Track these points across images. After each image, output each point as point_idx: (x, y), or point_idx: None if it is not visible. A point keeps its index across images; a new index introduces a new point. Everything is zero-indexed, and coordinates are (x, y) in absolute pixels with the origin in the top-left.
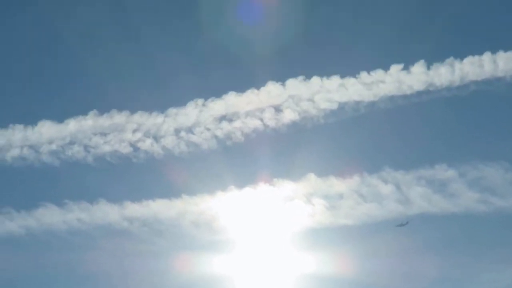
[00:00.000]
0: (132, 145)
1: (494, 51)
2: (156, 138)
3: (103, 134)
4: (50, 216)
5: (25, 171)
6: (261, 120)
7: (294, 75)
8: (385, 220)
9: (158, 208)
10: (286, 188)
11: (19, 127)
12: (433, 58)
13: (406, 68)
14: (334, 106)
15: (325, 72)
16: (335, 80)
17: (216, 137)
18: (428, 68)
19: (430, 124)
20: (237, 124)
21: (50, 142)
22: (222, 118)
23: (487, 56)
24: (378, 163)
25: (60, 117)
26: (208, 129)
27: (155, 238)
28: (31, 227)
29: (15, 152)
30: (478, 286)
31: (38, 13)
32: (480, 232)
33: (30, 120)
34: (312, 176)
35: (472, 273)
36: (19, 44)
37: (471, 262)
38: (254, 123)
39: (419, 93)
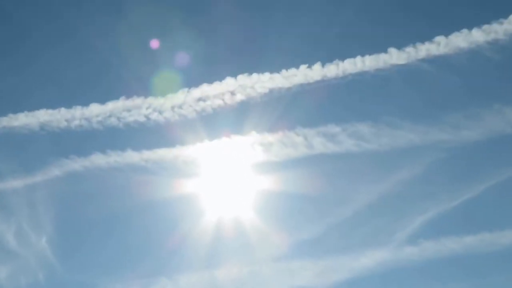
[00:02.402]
0: (146, 116)
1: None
2: (160, 112)
3: (128, 110)
4: (99, 159)
5: (80, 133)
6: (223, 100)
7: (243, 72)
8: (296, 158)
9: (162, 153)
10: (236, 140)
11: (79, 107)
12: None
13: (309, 67)
14: (267, 90)
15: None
16: (267, 76)
17: (196, 111)
18: (323, 66)
19: (323, 101)
20: (208, 102)
21: (97, 116)
22: (200, 99)
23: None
24: (292, 124)
25: (103, 100)
26: (191, 106)
27: (160, 171)
28: (87, 167)
29: (76, 122)
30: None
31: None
32: (353, 167)
33: (84, 102)
34: (254, 133)
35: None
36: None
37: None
38: (218, 102)
39: (317, 82)
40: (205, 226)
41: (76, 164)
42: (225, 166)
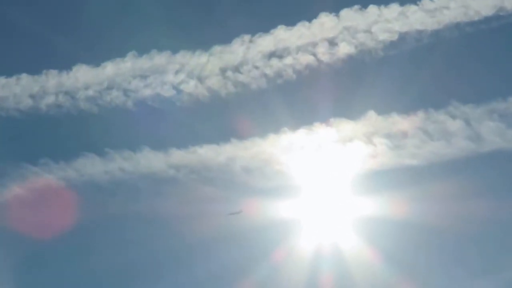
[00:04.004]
0: (175, 87)
1: None
2: (201, 79)
3: (143, 77)
4: (90, 167)
5: (61, 119)
6: (314, 55)
7: (349, 4)
8: (454, 159)
9: (205, 154)
10: (344, 128)
11: (53, 72)
12: None
13: None
14: (394, 37)
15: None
16: (394, 9)
17: (265, 75)
18: None
19: (502, 52)
20: (288, 60)
21: (87, 87)
22: (272, 54)
23: None
24: (444, 97)
25: (96, 61)
26: (256, 67)
27: (204, 186)
28: (71, 178)
29: (50, 99)
30: None
31: None
32: None
33: (64, 64)
34: (372, 114)
35: None
36: None
37: None
38: (306, 58)
39: (487, 19)
40: (290, 263)
41: (52, 174)
42: (318, 176)
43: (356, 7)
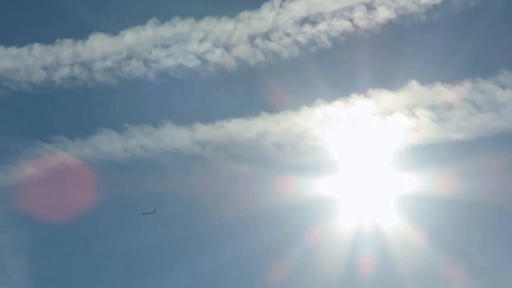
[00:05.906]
0: (200, 57)
1: None
2: (227, 48)
3: (165, 46)
4: (109, 144)
5: (77, 92)
6: (351, 20)
7: None
8: (504, 132)
9: (234, 129)
10: (383, 99)
11: (68, 42)
12: None
13: None
14: None
15: None
16: None
17: (297, 43)
18: None
19: None
20: (322, 27)
21: (104, 58)
22: (304, 20)
23: None
24: (493, 65)
25: (114, 29)
26: (287, 35)
27: (232, 163)
28: (87, 156)
29: (64, 71)
30: None
31: None
32: None
33: (80, 33)
34: (414, 84)
35: None
36: None
37: None
38: (342, 24)
39: None
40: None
41: (67, 152)
42: (356, 152)
43: None
